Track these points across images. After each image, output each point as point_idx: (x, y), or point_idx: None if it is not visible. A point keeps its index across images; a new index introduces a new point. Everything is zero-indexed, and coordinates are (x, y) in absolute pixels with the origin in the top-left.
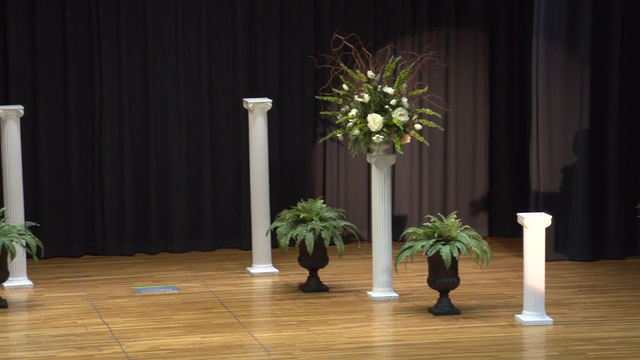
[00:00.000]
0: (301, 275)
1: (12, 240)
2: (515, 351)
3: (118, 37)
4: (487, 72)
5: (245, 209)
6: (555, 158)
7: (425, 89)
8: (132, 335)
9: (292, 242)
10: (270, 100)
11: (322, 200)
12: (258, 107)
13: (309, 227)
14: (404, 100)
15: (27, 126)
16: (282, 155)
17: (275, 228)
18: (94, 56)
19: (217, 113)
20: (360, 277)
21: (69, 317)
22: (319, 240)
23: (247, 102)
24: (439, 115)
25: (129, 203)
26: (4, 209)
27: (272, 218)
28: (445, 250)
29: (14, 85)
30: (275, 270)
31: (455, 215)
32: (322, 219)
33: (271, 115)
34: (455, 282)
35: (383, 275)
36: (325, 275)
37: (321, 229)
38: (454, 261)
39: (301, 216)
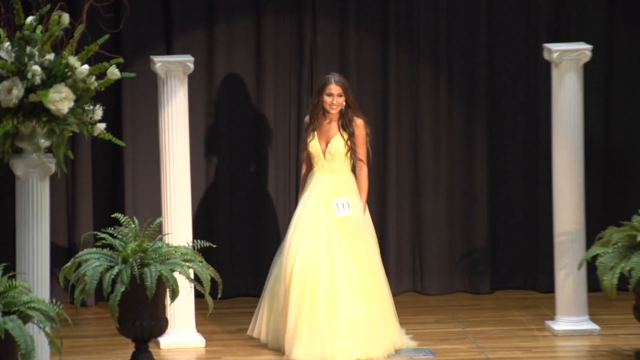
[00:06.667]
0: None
1: (173, 270)
2: None
3: None
4: None
5: (542, 223)
6: None
7: None
8: None
9: (624, 279)
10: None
11: None
12: (568, 58)
13: None
14: None
15: (199, 86)
16: (608, 135)
17: (595, 257)
18: None
19: None
20: None
21: None
22: None
23: (549, 50)
24: None
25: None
26: (160, 219)
27: (589, 240)
28: None
29: (178, 28)
30: (594, 326)
31: None
32: None
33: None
34: None
35: None
36: None
37: None
38: None
39: (638, 239)
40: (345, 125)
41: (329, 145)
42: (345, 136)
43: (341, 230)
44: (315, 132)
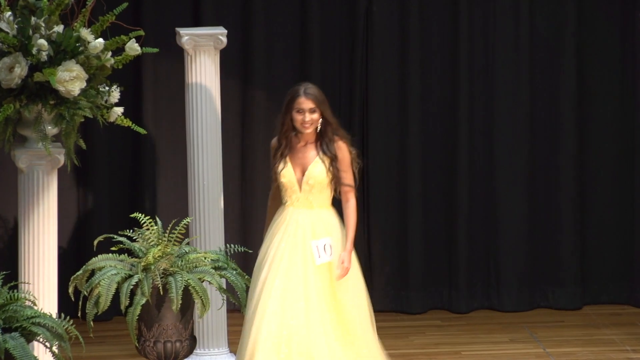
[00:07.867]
0: None
1: (202, 280)
2: None
3: None
4: None
5: (637, 228)
6: None
7: None
8: None
9: None
10: None
11: None
12: None
13: None
14: None
15: (232, 64)
16: None
17: None
18: None
19: None
20: None
21: None
22: None
23: None
24: None
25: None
26: (187, 220)
27: None
28: None
29: None
30: None
31: None
32: None
33: None
34: None
35: None
36: None
37: None
38: None
39: None
40: (326, 147)
41: (307, 173)
42: (327, 161)
43: (320, 285)
44: (288, 158)
